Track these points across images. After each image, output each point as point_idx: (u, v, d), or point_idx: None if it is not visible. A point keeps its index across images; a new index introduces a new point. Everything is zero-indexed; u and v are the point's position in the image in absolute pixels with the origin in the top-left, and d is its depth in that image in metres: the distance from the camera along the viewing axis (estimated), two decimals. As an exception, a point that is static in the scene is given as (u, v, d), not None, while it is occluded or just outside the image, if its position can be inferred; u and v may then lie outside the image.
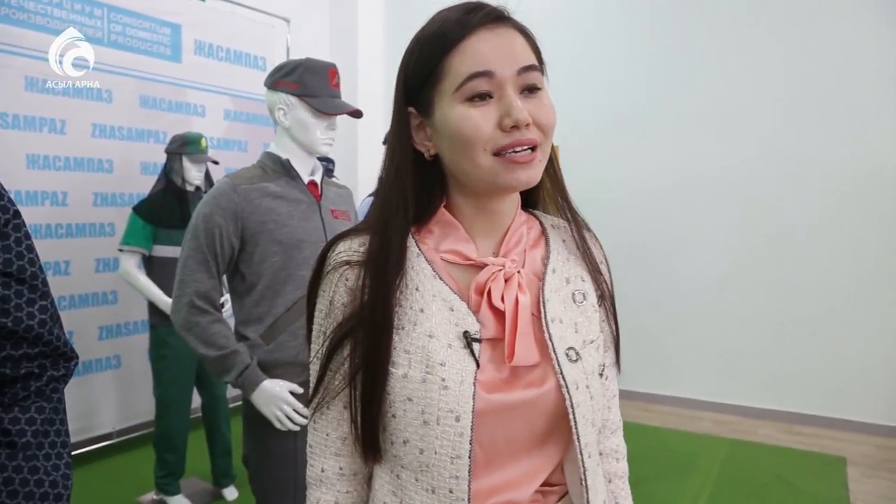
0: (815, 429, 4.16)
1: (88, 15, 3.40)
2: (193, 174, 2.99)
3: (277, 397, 1.60)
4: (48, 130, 3.30)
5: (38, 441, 0.84)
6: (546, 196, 0.86)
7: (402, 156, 0.78)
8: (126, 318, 3.65)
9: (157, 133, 3.75)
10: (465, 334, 0.73)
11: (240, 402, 4.24)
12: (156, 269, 2.93)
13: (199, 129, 3.77)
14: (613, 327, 0.87)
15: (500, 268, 0.76)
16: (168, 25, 3.82)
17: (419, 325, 0.74)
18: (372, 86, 5.60)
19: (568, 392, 0.73)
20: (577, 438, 0.74)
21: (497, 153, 0.71)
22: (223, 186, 1.63)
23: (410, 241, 0.78)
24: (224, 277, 1.70)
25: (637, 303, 4.69)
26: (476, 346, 0.73)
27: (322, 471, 0.80)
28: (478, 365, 0.72)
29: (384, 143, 3.52)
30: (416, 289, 0.76)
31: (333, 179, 1.91)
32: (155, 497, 3.07)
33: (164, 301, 2.84)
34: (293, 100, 1.68)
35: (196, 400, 3.11)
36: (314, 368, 0.80)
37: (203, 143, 3.01)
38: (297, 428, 1.64)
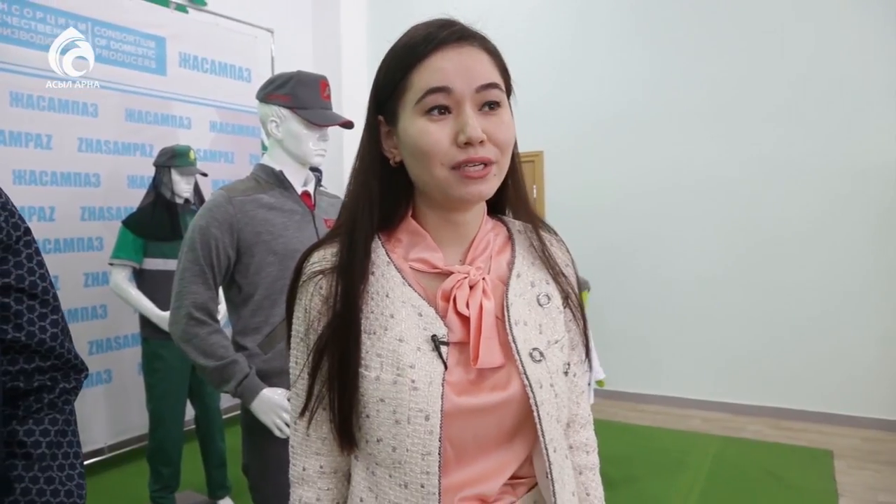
0: (802, 423, 4.23)
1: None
2: (182, 187, 3.00)
3: (277, 405, 1.62)
4: (34, 146, 3.30)
5: (52, 452, 0.86)
6: (511, 202, 0.89)
7: (370, 161, 0.82)
8: (116, 333, 3.64)
9: (144, 146, 3.76)
10: (433, 338, 0.77)
11: (233, 414, 4.22)
12: (147, 281, 2.93)
13: (186, 141, 3.78)
14: (582, 326, 0.90)
15: (465, 275, 0.80)
16: (152, 38, 3.84)
17: (390, 329, 0.77)
18: (356, 95, 5.62)
19: (532, 391, 0.77)
20: (542, 434, 0.78)
21: (453, 168, 0.74)
22: (218, 199, 1.65)
23: (381, 250, 0.82)
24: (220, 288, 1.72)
25: (626, 305, 4.76)
26: (444, 349, 0.77)
27: (304, 469, 0.85)
28: (445, 367, 0.76)
29: None
30: (387, 295, 0.79)
31: (322, 188, 1.94)
32: (150, 511, 3.06)
33: (156, 314, 2.85)
34: (285, 112, 1.71)
35: (189, 412, 3.11)
36: (293, 373, 0.85)
37: (192, 155, 3.02)
38: (297, 435, 1.66)
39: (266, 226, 1.66)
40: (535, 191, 5.07)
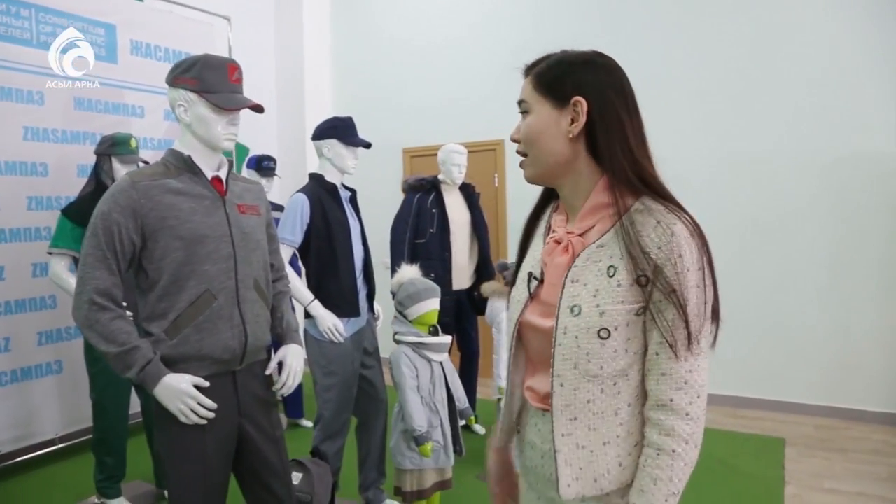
0: (758, 412, 4.27)
1: (15, 16, 3.35)
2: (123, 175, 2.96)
3: (181, 391, 1.61)
4: (-24, 134, 3.25)
5: None
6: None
7: None
8: (67, 323, 3.61)
9: (94, 135, 3.70)
10: (530, 274, 1.14)
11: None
12: (87, 271, 2.89)
13: (139, 130, 3.75)
14: (677, 309, 0.96)
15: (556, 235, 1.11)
16: (102, 26, 3.78)
17: (525, 263, 1.19)
18: (319, 82, 5.58)
19: (555, 332, 1.03)
20: (553, 367, 1.03)
21: None
22: (122, 184, 1.64)
23: (549, 211, 1.19)
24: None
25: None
26: (533, 283, 1.12)
27: None
28: (530, 296, 1.12)
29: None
30: (534, 240, 1.20)
31: (235, 174, 1.90)
32: (96, 501, 3.04)
33: (96, 303, 2.82)
34: (192, 96, 1.69)
35: (136, 404, 3.09)
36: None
37: (133, 143, 2.99)
38: (204, 421, 1.65)
39: (172, 210, 1.65)
40: (496, 180, 5.06)
